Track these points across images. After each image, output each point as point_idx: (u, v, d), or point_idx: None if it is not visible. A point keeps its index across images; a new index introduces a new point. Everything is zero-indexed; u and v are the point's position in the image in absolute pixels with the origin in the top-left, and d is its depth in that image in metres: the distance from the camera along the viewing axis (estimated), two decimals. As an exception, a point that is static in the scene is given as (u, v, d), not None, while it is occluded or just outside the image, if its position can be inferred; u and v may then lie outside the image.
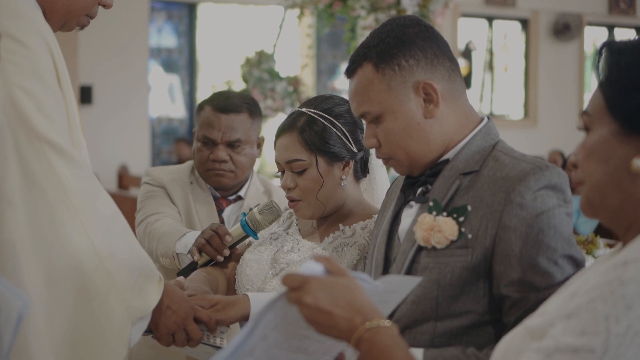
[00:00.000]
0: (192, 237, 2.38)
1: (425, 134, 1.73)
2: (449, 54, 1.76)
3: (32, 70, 1.67)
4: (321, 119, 2.07)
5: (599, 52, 1.25)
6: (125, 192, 8.04)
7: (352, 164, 2.11)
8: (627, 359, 1.07)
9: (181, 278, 2.11)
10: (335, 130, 2.07)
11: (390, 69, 1.72)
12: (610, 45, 1.24)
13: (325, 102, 2.12)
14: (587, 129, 1.25)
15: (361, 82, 1.76)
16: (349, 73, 1.79)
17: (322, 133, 2.06)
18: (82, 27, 1.87)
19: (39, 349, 1.63)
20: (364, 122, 2.12)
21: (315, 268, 1.31)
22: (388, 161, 1.80)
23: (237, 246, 2.27)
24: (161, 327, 1.80)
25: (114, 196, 1.78)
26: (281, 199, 2.56)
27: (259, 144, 2.75)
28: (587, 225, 5.90)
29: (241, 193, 2.76)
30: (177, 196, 2.69)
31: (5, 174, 1.63)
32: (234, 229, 2.23)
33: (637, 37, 1.27)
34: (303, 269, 1.30)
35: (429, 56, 1.73)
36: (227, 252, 2.21)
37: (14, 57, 1.66)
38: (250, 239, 2.24)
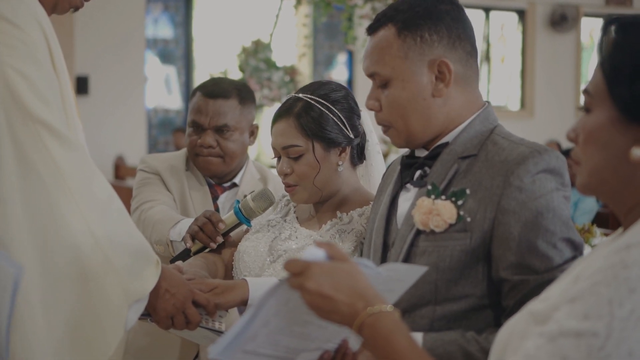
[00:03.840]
0: (185, 224, 2.37)
1: (428, 110, 1.72)
2: (472, 40, 1.75)
3: (26, 53, 1.66)
4: (318, 105, 2.06)
5: (604, 28, 1.21)
6: (121, 182, 8.02)
7: (348, 150, 2.10)
8: (630, 343, 1.06)
9: (179, 262, 2.11)
10: (332, 116, 2.06)
11: (411, 38, 1.71)
12: (618, 24, 1.21)
13: (322, 88, 2.11)
14: (587, 109, 1.24)
15: (380, 42, 1.74)
16: (371, 30, 1.77)
17: (318, 119, 2.05)
18: (76, 9, 1.85)
19: (34, 330, 1.62)
20: (361, 110, 2.12)
21: (317, 254, 1.30)
22: (387, 130, 1.78)
23: (233, 234, 2.26)
24: (159, 310, 1.79)
25: (110, 187, 1.77)
26: (277, 186, 2.55)
27: (252, 131, 2.72)
28: (585, 217, 5.91)
29: (236, 180, 2.74)
30: (172, 183, 2.67)
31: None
32: (227, 216, 2.23)
33: None
34: (305, 255, 1.29)
35: (452, 36, 1.71)
36: (220, 239, 2.20)
37: (9, 40, 1.65)
38: (246, 226, 2.23)
